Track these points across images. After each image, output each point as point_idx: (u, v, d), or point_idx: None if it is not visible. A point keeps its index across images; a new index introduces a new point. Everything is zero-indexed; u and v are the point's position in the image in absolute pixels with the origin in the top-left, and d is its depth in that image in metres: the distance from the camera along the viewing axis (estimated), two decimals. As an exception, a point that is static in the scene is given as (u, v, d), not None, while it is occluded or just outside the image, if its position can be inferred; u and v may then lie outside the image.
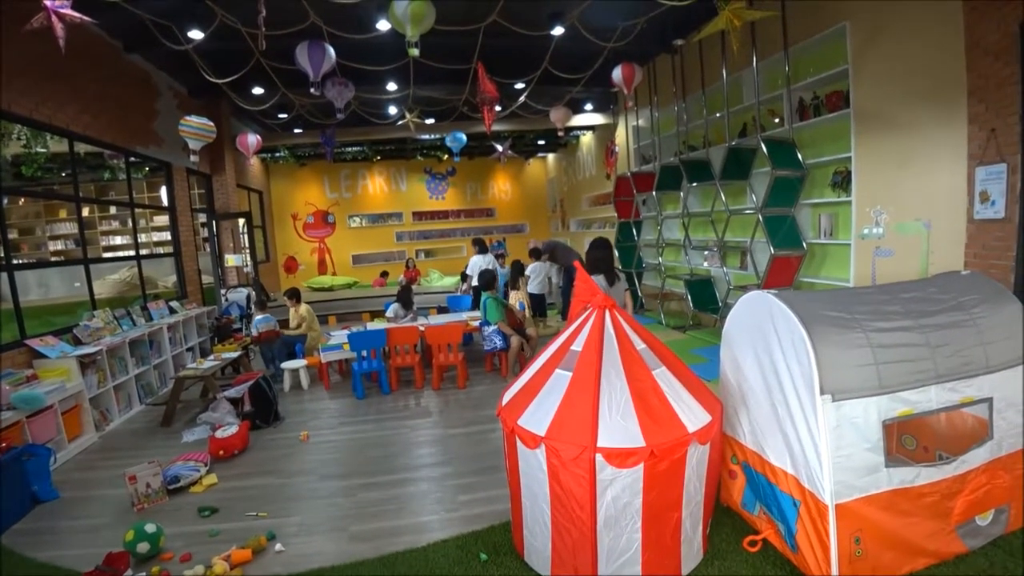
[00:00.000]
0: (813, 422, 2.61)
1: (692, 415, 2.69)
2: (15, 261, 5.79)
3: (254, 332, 7.69)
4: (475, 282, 9.48)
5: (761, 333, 2.94)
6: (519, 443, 2.79)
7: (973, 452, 2.89)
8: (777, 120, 6.85)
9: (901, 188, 5.17)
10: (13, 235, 7.35)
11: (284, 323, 8.60)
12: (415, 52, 5.32)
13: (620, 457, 2.49)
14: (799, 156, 6.28)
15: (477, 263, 9.52)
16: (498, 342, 6.89)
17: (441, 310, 9.58)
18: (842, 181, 5.90)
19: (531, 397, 2.87)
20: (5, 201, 5.65)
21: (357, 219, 16.87)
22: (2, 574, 3.40)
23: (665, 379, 2.80)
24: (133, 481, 4.11)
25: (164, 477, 4.29)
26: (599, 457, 2.49)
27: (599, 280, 4.69)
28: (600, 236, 5.31)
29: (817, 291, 5.23)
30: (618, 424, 2.56)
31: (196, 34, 6.32)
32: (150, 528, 3.48)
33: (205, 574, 3.20)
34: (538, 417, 2.74)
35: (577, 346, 2.88)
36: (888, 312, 2.90)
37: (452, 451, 4.86)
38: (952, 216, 4.68)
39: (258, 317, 7.78)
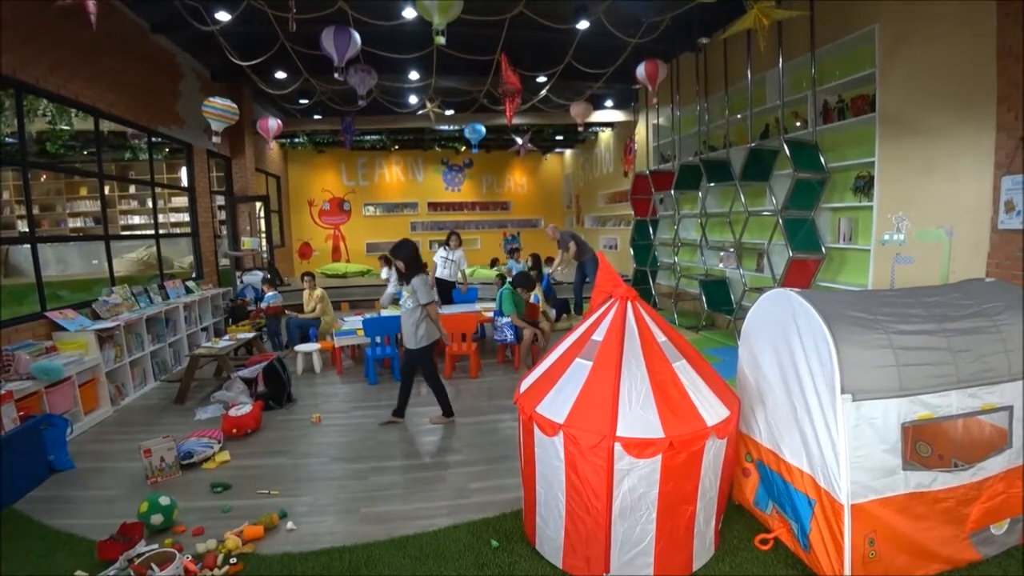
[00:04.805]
0: (832, 421, 2.60)
1: (711, 409, 2.69)
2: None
3: (264, 306, 8.16)
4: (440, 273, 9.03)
5: (782, 331, 2.93)
6: (536, 430, 2.80)
7: (992, 459, 2.86)
8: (799, 123, 6.80)
9: (924, 195, 5.11)
10: (35, 211, 7.44)
11: (297, 307, 8.69)
12: (441, 40, 5.32)
13: (639, 447, 2.49)
14: (822, 159, 6.23)
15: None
16: (509, 335, 6.90)
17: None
18: (864, 186, 5.85)
19: (550, 385, 2.88)
20: (28, 177, 5.72)
21: (372, 208, 16.91)
22: (18, 539, 3.46)
23: (685, 372, 2.79)
24: (148, 454, 4.15)
25: (178, 452, 4.33)
26: (618, 446, 2.49)
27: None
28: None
29: (840, 292, 5.19)
30: (638, 414, 2.56)
31: (223, 16, 6.35)
32: (164, 501, 3.52)
33: (217, 548, 3.23)
34: (557, 405, 2.75)
35: (598, 336, 2.88)
36: (911, 315, 2.88)
37: (463, 439, 4.88)
38: (975, 225, 4.62)
39: (269, 294, 8.22)
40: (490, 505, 3.66)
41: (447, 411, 5.25)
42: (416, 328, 4.94)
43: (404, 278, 4.95)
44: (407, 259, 4.93)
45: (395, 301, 8.41)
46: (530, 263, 8.99)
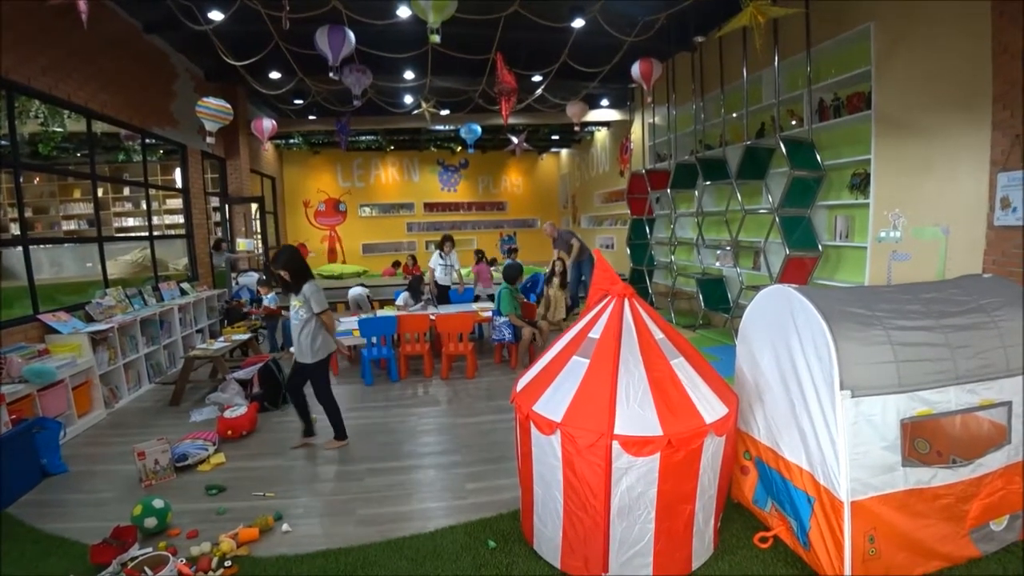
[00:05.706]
0: (831, 418, 2.59)
1: (709, 406, 2.67)
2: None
3: (268, 306, 8.20)
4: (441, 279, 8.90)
5: (780, 327, 2.92)
6: (533, 429, 2.77)
7: (990, 455, 2.85)
8: (795, 121, 6.80)
9: (920, 192, 5.11)
10: (28, 213, 7.39)
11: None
12: (436, 39, 5.31)
13: (637, 445, 2.47)
14: (818, 157, 6.23)
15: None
16: (507, 334, 6.88)
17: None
18: (860, 183, 5.85)
19: (547, 383, 2.85)
20: (20, 179, 5.68)
21: (368, 208, 16.89)
22: (11, 543, 3.42)
23: (683, 369, 2.78)
24: (142, 457, 4.12)
25: (172, 454, 4.30)
26: (616, 445, 2.47)
27: None
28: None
29: (838, 288, 5.19)
30: (635, 412, 2.54)
31: (216, 15, 6.31)
32: (158, 504, 3.49)
33: (212, 551, 3.19)
34: (554, 403, 2.73)
35: (595, 334, 2.86)
36: (909, 311, 2.87)
37: (460, 440, 4.85)
38: (971, 222, 4.63)
39: (269, 295, 8.20)
40: (487, 505, 3.64)
41: (340, 434, 4.77)
42: (313, 340, 4.47)
43: (292, 288, 4.45)
44: (293, 267, 4.42)
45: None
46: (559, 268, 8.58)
